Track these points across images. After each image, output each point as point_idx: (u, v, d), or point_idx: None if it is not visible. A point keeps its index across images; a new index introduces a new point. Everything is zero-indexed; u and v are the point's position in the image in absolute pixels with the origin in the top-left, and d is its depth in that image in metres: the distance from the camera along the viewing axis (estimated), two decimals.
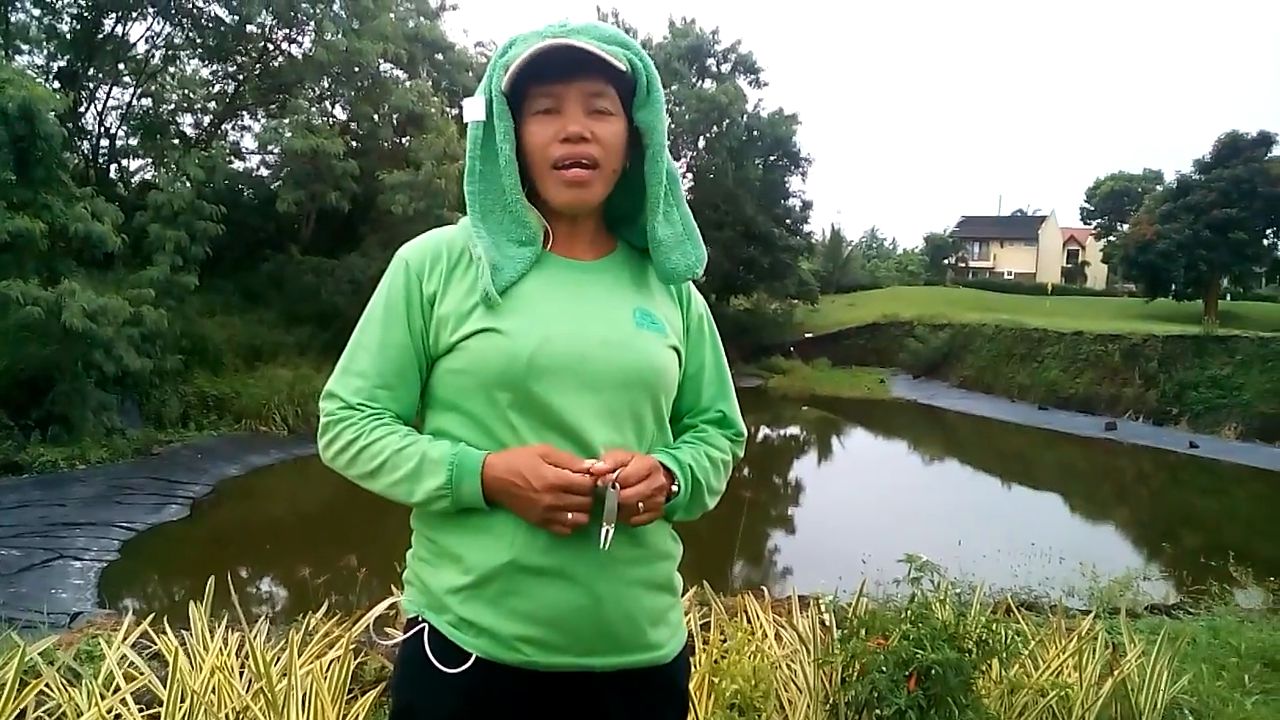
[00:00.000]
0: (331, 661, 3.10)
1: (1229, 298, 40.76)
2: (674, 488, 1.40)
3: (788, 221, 38.08)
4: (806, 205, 39.20)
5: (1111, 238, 49.52)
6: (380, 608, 3.12)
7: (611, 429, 1.37)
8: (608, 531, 1.28)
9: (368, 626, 3.21)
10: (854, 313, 40.29)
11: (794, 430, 25.97)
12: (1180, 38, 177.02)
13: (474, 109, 1.40)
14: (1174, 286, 36.48)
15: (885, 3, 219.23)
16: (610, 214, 1.52)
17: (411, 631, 1.39)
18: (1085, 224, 61.32)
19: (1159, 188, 43.61)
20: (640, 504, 1.31)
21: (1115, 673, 3.51)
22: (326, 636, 3.35)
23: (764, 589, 4.35)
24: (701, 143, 35.87)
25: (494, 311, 1.36)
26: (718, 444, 1.55)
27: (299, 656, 3.02)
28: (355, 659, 3.15)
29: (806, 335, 37.60)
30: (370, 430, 1.38)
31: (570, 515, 1.29)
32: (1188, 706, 3.83)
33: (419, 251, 1.44)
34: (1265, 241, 36.16)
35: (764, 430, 25.92)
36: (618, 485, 1.29)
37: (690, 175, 37.15)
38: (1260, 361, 23.19)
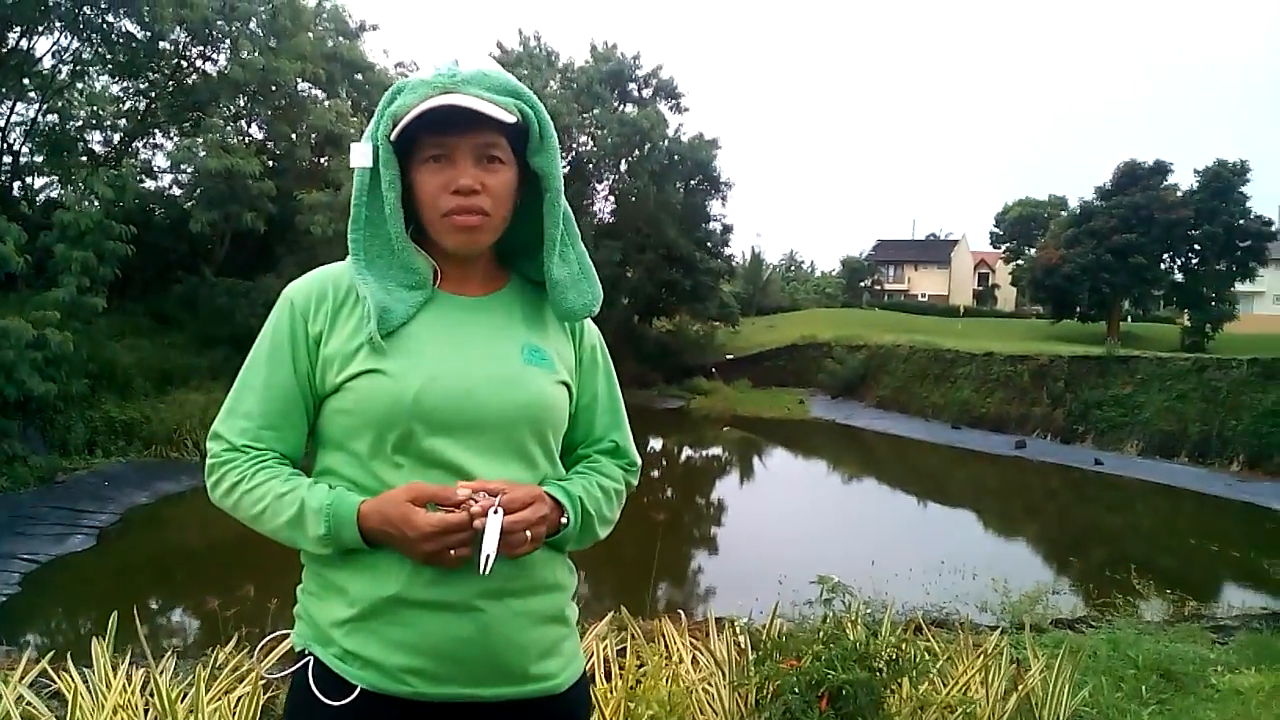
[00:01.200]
0: (241, 697, 3.03)
1: (1130, 319, 42.37)
2: (563, 520, 1.41)
3: (709, 244, 38.48)
4: (727, 229, 39.70)
5: (1020, 261, 51.12)
6: (291, 640, 3.06)
7: (499, 466, 1.38)
8: (488, 557, 1.28)
9: (279, 660, 3.15)
10: (774, 334, 40.82)
11: (716, 451, 26.17)
12: (1083, 69, 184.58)
13: (360, 156, 1.40)
14: (1079, 308, 37.81)
15: (803, 32, 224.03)
16: (505, 247, 1.52)
17: (298, 665, 1.39)
18: (995, 248, 63.17)
19: (1064, 213, 45.15)
20: (527, 532, 1.32)
21: (1020, 687, 3.62)
22: (236, 671, 3.28)
23: (681, 613, 4.38)
24: (623, 166, 36.09)
25: (380, 353, 1.36)
26: (611, 474, 1.57)
27: (206, 692, 2.95)
28: (265, 694, 3.08)
29: (728, 356, 37.95)
30: (253, 474, 1.38)
31: (453, 553, 1.29)
32: (1088, 718, 3.97)
33: (304, 291, 1.44)
34: (1162, 266, 37.70)
35: (686, 451, 26.07)
36: (500, 510, 1.29)
37: (613, 198, 37.33)
38: (1159, 381, 24.16)
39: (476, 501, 1.29)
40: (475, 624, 1.34)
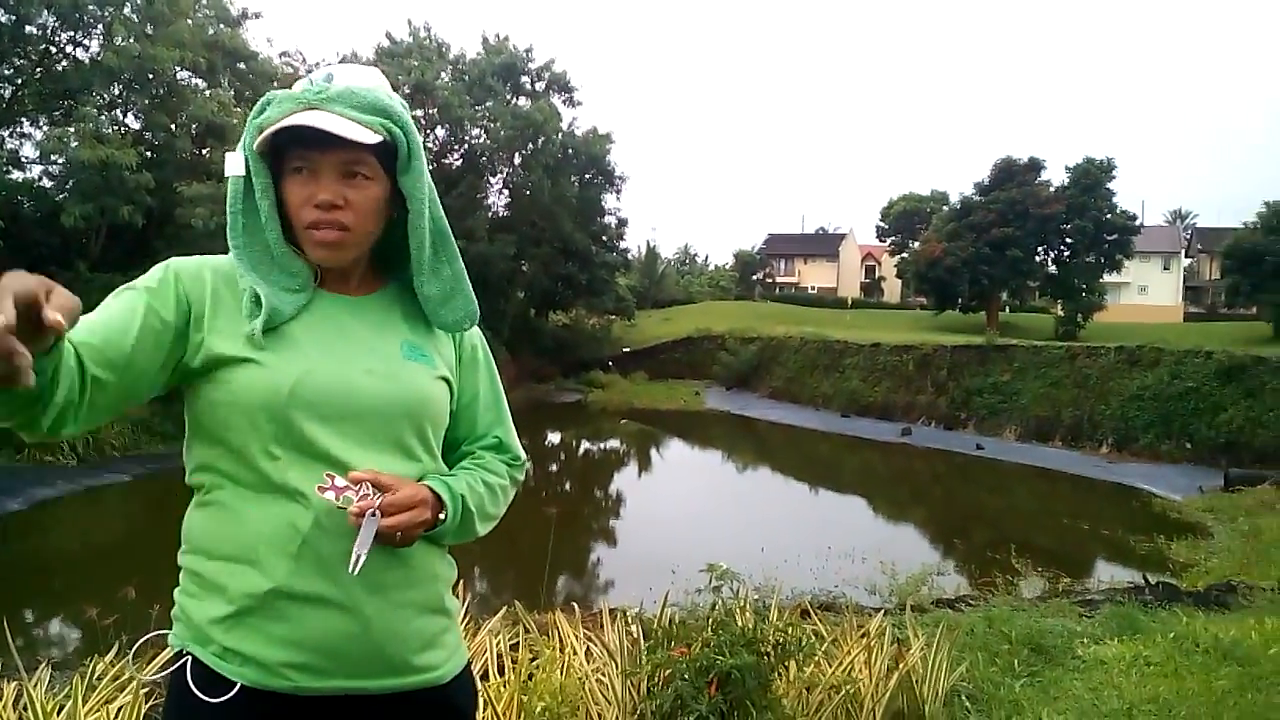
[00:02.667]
0: (121, 706, 2.95)
1: (1008, 309, 44.15)
2: (441, 515, 1.42)
3: (604, 238, 38.60)
4: (622, 222, 39.88)
5: (904, 255, 52.73)
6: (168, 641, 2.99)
7: (378, 458, 1.38)
8: (359, 558, 1.28)
9: (164, 666, 3.07)
10: (669, 327, 41.20)
11: (613, 443, 26.32)
12: (962, 65, 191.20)
13: (234, 164, 1.40)
14: (960, 300, 39.24)
15: (695, 28, 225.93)
16: (382, 255, 1.53)
17: (175, 665, 1.38)
18: (881, 241, 65.05)
19: (945, 208, 46.78)
20: (398, 534, 1.33)
21: (901, 666, 3.78)
22: (116, 680, 3.19)
23: (575, 606, 4.43)
24: (517, 159, 35.87)
25: (257, 345, 1.36)
26: (495, 469, 1.58)
27: (84, 704, 2.87)
28: (147, 702, 3.01)
29: (624, 350, 38.17)
30: None
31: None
32: (965, 693, 4.16)
33: (188, 268, 1.41)
34: (1037, 258, 39.40)
35: (584, 444, 26.13)
36: (379, 513, 1.30)
37: (507, 192, 37.07)
38: (1034, 368, 25.29)
39: (359, 497, 1.30)
40: (355, 617, 1.35)
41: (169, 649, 1.42)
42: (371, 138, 1.37)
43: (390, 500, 1.32)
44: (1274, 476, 16.94)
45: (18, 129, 22.17)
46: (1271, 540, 12.92)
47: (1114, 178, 37.95)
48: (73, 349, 1.18)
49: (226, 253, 1.48)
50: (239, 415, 1.35)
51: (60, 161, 19.71)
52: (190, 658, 1.36)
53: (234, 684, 1.33)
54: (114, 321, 1.29)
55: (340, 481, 1.32)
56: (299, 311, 1.41)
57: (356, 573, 1.30)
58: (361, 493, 1.31)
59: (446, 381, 1.52)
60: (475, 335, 1.64)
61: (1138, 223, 39.93)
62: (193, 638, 1.37)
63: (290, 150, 1.39)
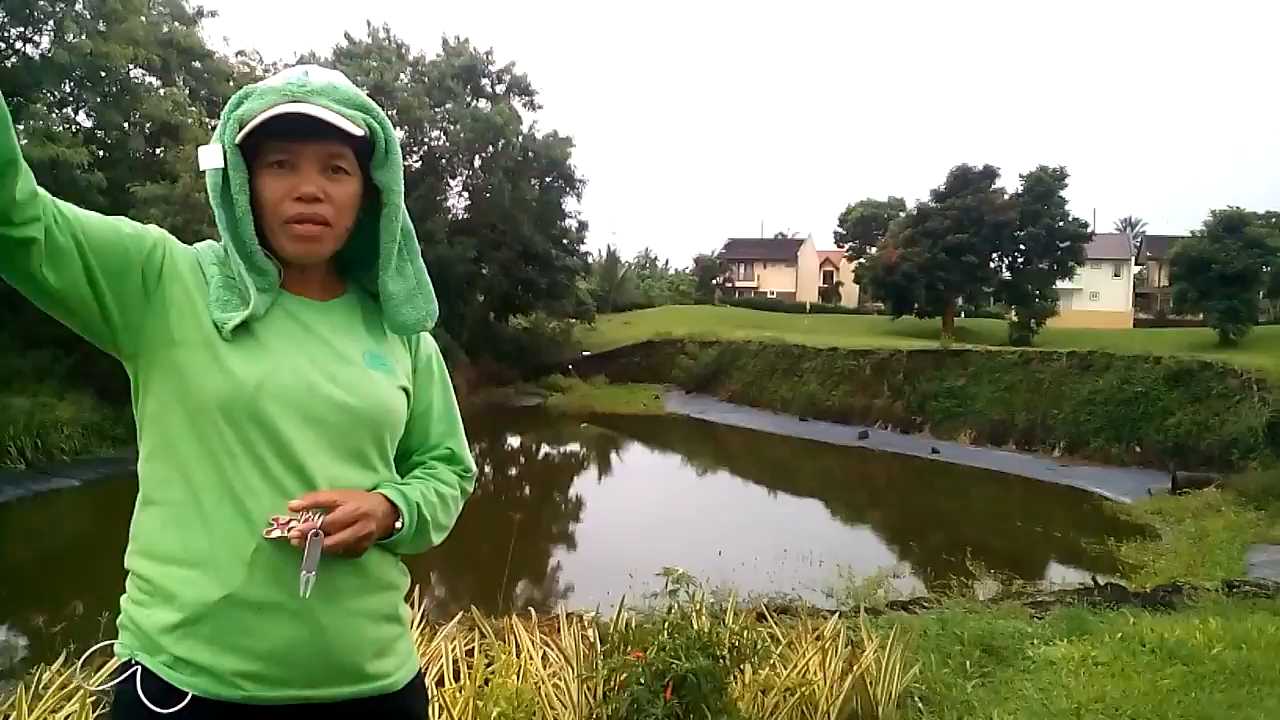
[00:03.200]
0: (68, 715, 2.91)
1: (963, 315, 44.71)
2: (397, 524, 1.42)
3: (564, 241, 38.53)
4: (583, 226, 39.86)
5: (862, 260, 53.10)
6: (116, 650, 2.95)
7: (333, 464, 1.38)
8: (308, 579, 1.28)
9: (112, 675, 3.02)
10: (629, 331, 41.22)
11: (574, 447, 26.27)
12: (920, 73, 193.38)
13: (210, 157, 1.38)
14: (916, 305, 39.65)
15: (657, 32, 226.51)
16: (344, 256, 1.51)
17: (124, 675, 1.35)
18: (839, 247, 65.43)
19: (902, 214, 47.20)
20: (342, 550, 1.33)
21: (855, 668, 3.82)
22: (64, 689, 3.14)
23: (532, 611, 4.42)
24: (477, 162, 35.74)
25: (225, 340, 1.35)
26: (446, 479, 1.58)
27: (29, 714, 2.82)
28: (94, 711, 2.97)
29: (584, 353, 38.10)
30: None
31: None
32: (918, 694, 4.22)
33: (175, 243, 1.40)
34: (992, 264, 39.94)
35: (544, 448, 26.08)
36: (321, 533, 1.29)
37: (467, 194, 36.91)
38: (989, 373, 25.65)
39: (299, 521, 1.29)
40: (309, 625, 1.34)
41: (117, 658, 1.40)
42: (358, 130, 1.39)
43: (331, 519, 1.31)
44: (1220, 479, 17.32)
45: None
46: (1216, 542, 13.23)
47: (1066, 185, 38.58)
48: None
49: None
50: (198, 412, 1.34)
51: None
52: (139, 667, 1.34)
53: (185, 694, 1.31)
54: (99, 234, 1.29)
55: (284, 518, 1.31)
56: (265, 312, 1.41)
57: (306, 594, 1.29)
58: (305, 516, 1.30)
59: (405, 392, 1.53)
60: (430, 345, 1.64)
61: (1089, 230, 40.60)
62: (142, 646, 1.35)
63: (268, 145, 1.38)
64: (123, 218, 1.37)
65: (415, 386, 1.58)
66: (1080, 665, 4.81)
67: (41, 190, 1.21)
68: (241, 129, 1.36)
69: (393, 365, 1.51)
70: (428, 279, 1.57)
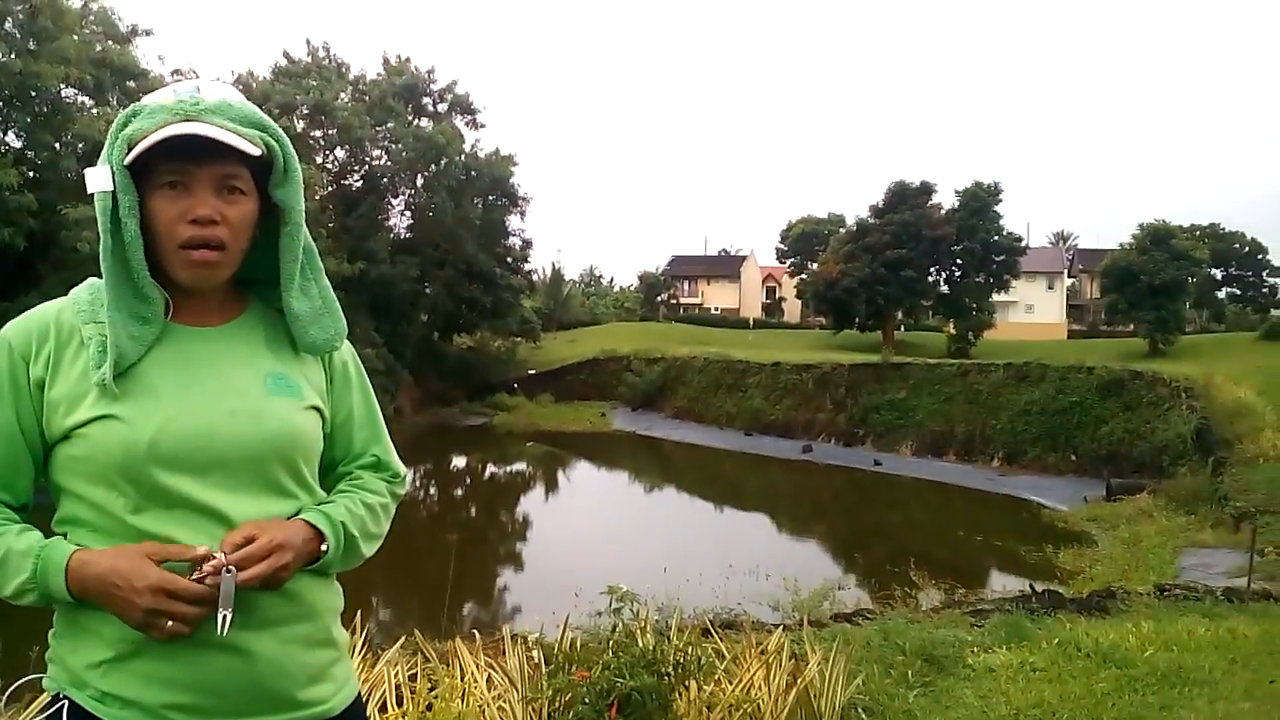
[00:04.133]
0: None
1: (903, 328, 45.38)
2: (323, 547, 1.40)
3: (509, 260, 38.45)
4: (527, 244, 39.85)
5: (804, 275, 53.76)
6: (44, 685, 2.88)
7: (249, 501, 1.35)
8: (225, 617, 1.26)
9: (41, 710, 2.95)
10: (575, 348, 41.19)
11: (520, 466, 26.12)
12: (858, 90, 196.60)
13: (99, 180, 1.32)
14: (857, 319, 40.15)
15: (599, 51, 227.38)
16: (245, 275, 1.46)
17: (50, 710, 1.32)
18: (781, 263, 66.25)
19: (842, 230, 47.85)
20: (259, 584, 1.30)
21: (799, 681, 3.85)
22: None
23: (476, 633, 4.40)
24: (419, 180, 35.54)
25: (112, 396, 1.31)
26: (374, 488, 1.55)
27: None
28: None
29: (530, 372, 37.97)
30: None
31: (170, 624, 1.25)
32: (861, 705, 4.27)
33: (23, 332, 1.36)
34: (930, 278, 40.62)
35: (490, 468, 25.89)
36: (234, 569, 1.27)
37: (410, 213, 36.68)
38: (929, 385, 26.09)
39: (208, 561, 1.27)
40: (238, 655, 1.32)
41: (45, 693, 1.37)
42: (254, 149, 1.34)
43: (244, 554, 1.28)
44: (1151, 485, 17.79)
45: None
46: (1149, 546, 13.58)
47: (1000, 200, 39.44)
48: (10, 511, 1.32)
49: None
50: (98, 471, 1.31)
51: None
52: (68, 702, 1.32)
53: None
54: None
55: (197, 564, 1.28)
56: (149, 348, 1.36)
57: (224, 634, 1.27)
58: (211, 563, 1.27)
59: (318, 410, 1.49)
60: (346, 351, 1.59)
61: (1023, 244, 41.58)
62: (69, 681, 1.33)
63: (159, 165, 1.32)
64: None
65: (332, 397, 1.54)
66: (1018, 672, 4.90)
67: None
68: (130, 149, 1.31)
69: (298, 385, 1.46)
70: (333, 296, 1.53)
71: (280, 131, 1.41)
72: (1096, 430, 21.83)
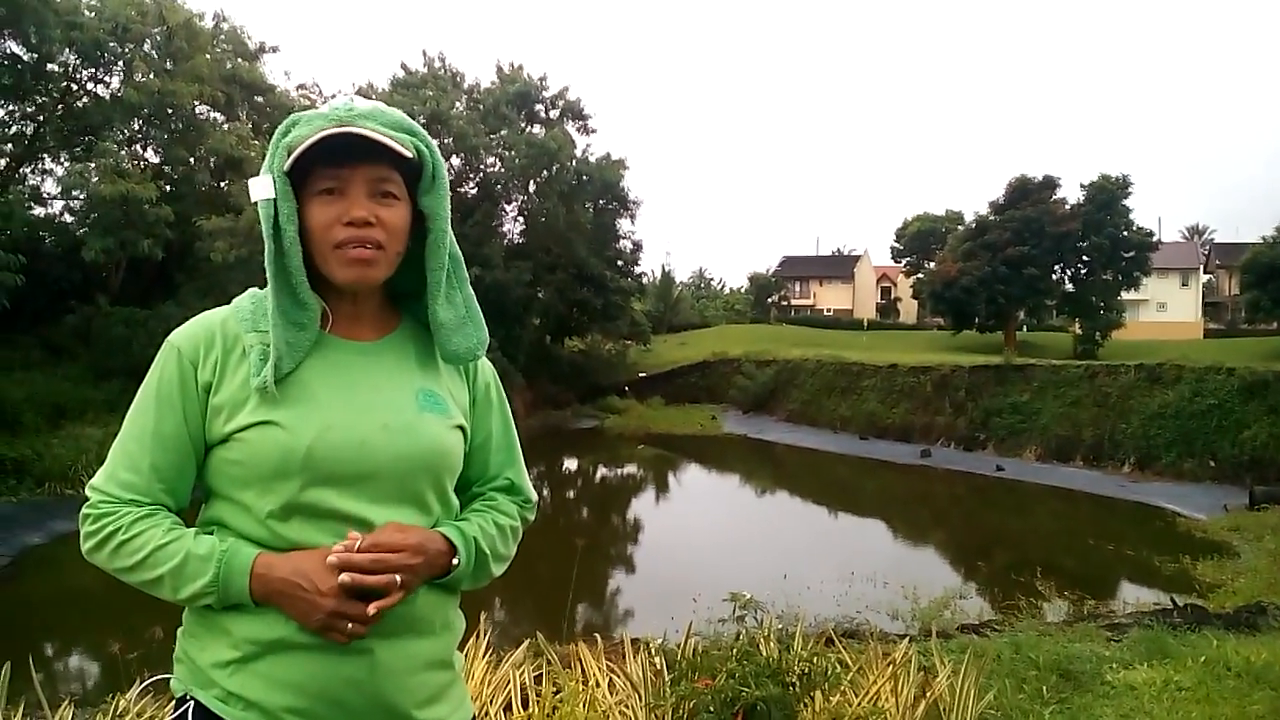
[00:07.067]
0: None
1: (1025, 329, 43.93)
2: (454, 560, 1.41)
3: (619, 263, 38.68)
4: (637, 247, 39.96)
5: (920, 275, 52.56)
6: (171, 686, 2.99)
7: (393, 513, 1.37)
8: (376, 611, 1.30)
9: (171, 709, 3.06)
10: (685, 351, 41.19)
11: (631, 469, 26.24)
12: (977, 84, 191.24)
13: (261, 188, 1.37)
14: (977, 319, 39.03)
15: (709, 52, 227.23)
16: (396, 289, 1.50)
17: (178, 712, 1.36)
18: (896, 262, 64.92)
19: (960, 228, 46.62)
20: (397, 577, 1.31)
21: (928, 694, 3.73)
22: (141, 716, 3.19)
23: (598, 636, 4.40)
24: (532, 186, 36.07)
25: (271, 403, 1.34)
26: (506, 510, 1.57)
27: None
28: None
29: (640, 375, 38.14)
30: (131, 525, 1.34)
31: (351, 626, 1.29)
32: None
33: (191, 338, 1.40)
34: (1054, 276, 39.21)
35: (602, 470, 26.08)
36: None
37: (522, 219, 37.25)
38: (1053, 388, 25.12)
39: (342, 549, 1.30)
40: (365, 664, 1.34)
41: (172, 693, 1.41)
42: (407, 151, 1.37)
43: (373, 539, 1.31)
44: None
45: (40, 165, 22.55)
46: None
47: (1130, 194, 37.82)
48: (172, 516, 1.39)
49: (243, 285, 1.50)
50: (253, 476, 1.35)
51: (81, 197, 20.03)
52: (193, 702, 1.35)
53: None
54: (162, 458, 1.38)
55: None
56: (307, 354, 1.40)
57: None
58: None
59: (462, 429, 1.51)
60: (489, 373, 1.62)
61: (1155, 239, 39.73)
62: (195, 681, 1.36)
63: (316, 172, 1.37)
64: (149, 416, 1.40)
65: (473, 417, 1.56)
66: (1163, 691, 4.64)
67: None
68: (290, 155, 1.35)
69: (446, 404, 1.48)
70: (477, 306, 1.54)
71: (429, 139, 1.44)
72: (1238, 435, 20.66)
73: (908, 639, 4.87)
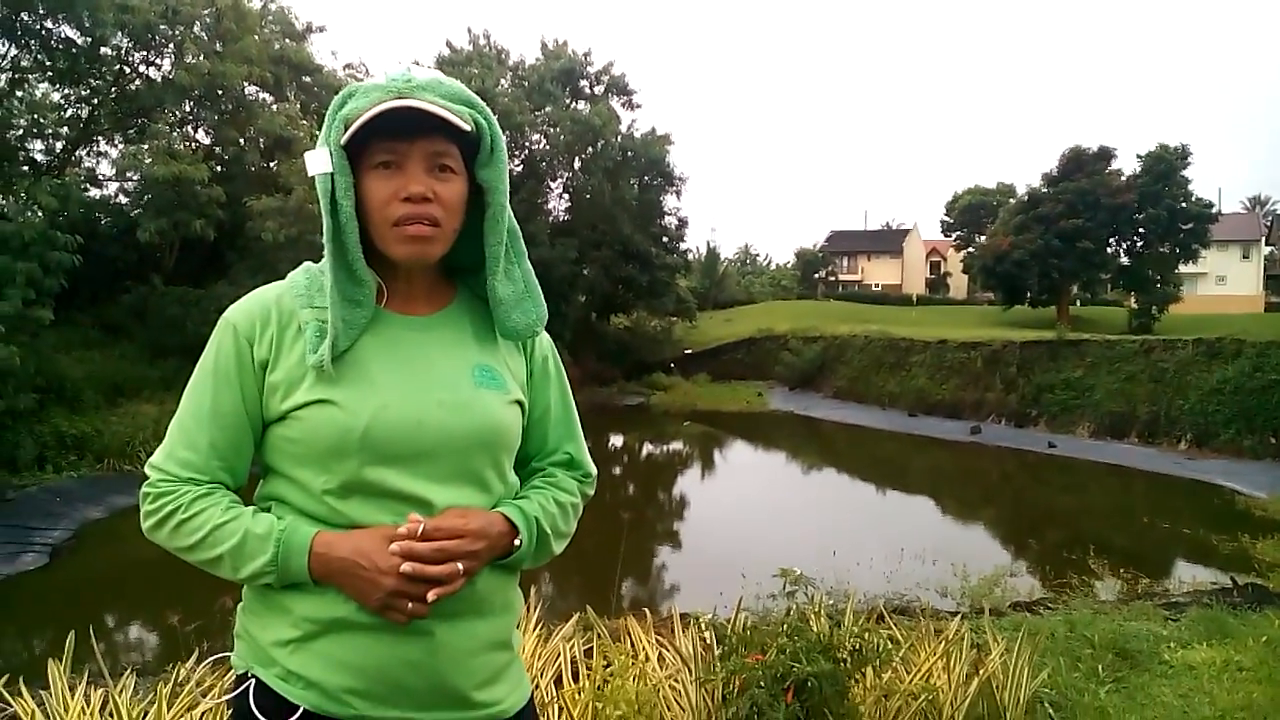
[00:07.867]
0: (204, 712, 3.01)
1: (1079, 303, 43.11)
2: (516, 541, 1.40)
3: (664, 239, 38.55)
4: (682, 223, 39.77)
5: (970, 249, 51.78)
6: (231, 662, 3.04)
7: (453, 491, 1.36)
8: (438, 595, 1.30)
9: (231, 685, 3.11)
10: (731, 328, 41.01)
11: (677, 445, 26.24)
12: (1029, 54, 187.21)
13: (319, 162, 1.34)
14: (1029, 294, 38.41)
15: (753, 25, 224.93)
16: (452, 263, 1.48)
17: (240, 688, 1.37)
18: (946, 236, 63.97)
19: (1012, 200, 45.80)
20: (459, 565, 1.31)
21: (980, 672, 3.69)
22: (200, 685, 3.25)
23: (646, 611, 4.40)
24: (577, 163, 36.05)
25: (329, 380, 1.33)
26: (566, 486, 1.55)
27: (168, 710, 2.92)
28: (228, 709, 3.06)
29: (686, 351, 38.07)
30: (191, 503, 1.34)
31: (411, 605, 1.28)
32: (1048, 699, 4.05)
33: (247, 315, 1.39)
34: (1109, 249, 38.40)
35: (648, 447, 26.12)
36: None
37: (567, 196, 37.26)
38: (1108, 363, 24.62)
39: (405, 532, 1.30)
40: (424, 645, 1.33)
41: (233, 669, 1.41)
42: (465, 125, 1.35)
43: (435, 524, 1.31)
44: None
45: (94, 147, 22.92)
46: None
47: (1189, 164, 36.92)
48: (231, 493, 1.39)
49: (293, 264, 1.48)
50: (310, 453, 1.34)
51: (135, 178, 20.37)
52: (254, 680, 1.36)
53: (296, 708, 1.32)
54: (221, 435, 1.38)
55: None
56: (363, 331, 1.38)
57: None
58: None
59: (519, 404, 1.49)
60: (547, 346, 1.60)
61: (1215, 210, 38.67)
62: (256, 658, 1.37)
63: (373, 145, 1.34)
64: (206, 396, 1.40)
65: (531, 390, 1.54)
66: (1223, 671, 4.55)
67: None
68: (347, 129, 1.33)
69: (503, 379, 1.46)
70: (535, 281, 1.52)
71: (488, 110, 1.42)
72: None
73: (959, 616, 4.82)
